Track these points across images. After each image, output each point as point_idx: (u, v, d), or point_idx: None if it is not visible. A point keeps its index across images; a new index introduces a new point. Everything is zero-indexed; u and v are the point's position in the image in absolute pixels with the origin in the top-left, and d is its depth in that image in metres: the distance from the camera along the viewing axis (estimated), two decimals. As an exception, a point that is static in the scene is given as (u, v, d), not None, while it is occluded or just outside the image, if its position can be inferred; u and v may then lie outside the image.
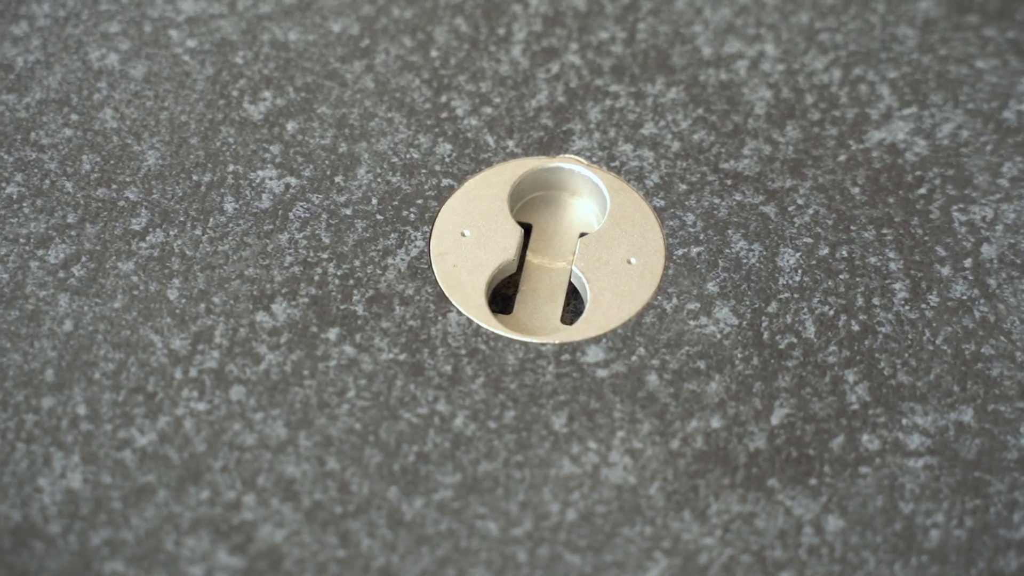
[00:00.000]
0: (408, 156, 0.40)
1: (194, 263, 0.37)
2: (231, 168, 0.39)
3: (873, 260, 0.38)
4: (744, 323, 0.37)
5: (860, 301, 0.37)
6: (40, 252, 0.37)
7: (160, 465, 0.34)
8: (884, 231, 0.39)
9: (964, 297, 0.37)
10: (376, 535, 0.34)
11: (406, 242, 0.38)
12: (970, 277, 0.38)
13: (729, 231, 0.39)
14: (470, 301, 0.37)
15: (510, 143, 0.40)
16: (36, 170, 0.39)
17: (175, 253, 0.38)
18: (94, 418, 0.34)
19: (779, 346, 0.36)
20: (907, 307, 0.37)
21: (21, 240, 0.38)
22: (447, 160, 0.40)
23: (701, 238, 0.38)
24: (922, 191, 0.39)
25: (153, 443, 0.34)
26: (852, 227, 0.39)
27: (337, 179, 0.39)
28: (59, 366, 0.35)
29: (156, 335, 0.36)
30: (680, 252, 0.38)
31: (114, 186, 0.39)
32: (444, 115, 0.41)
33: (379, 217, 0.39)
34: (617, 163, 0.40)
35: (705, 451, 0.35)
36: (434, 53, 0.42)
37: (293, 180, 0.39)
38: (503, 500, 0.34)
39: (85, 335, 0.36)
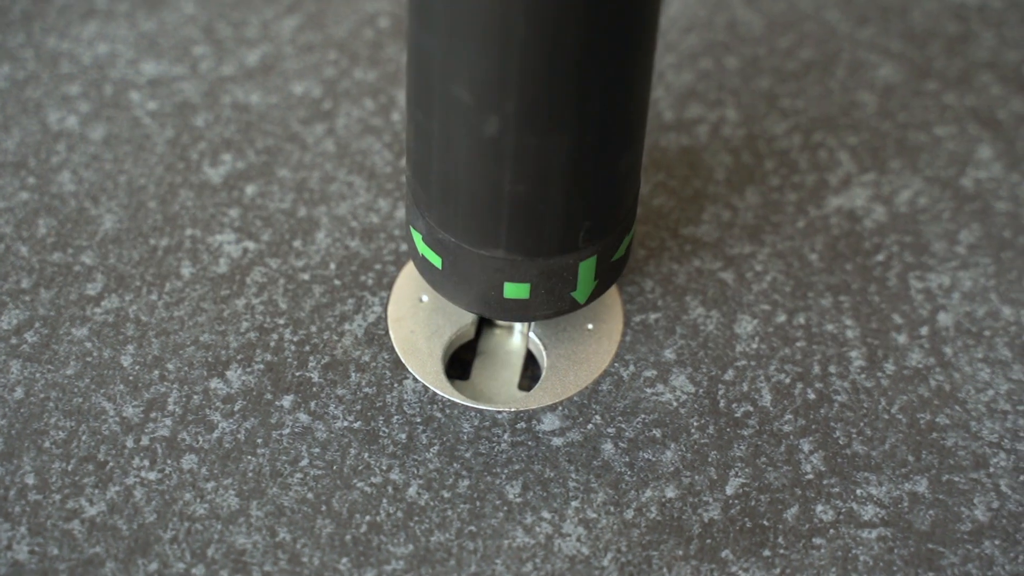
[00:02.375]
0: (367, 220, 0.40)
1: (149, 329, 0.37)
2: (189, 232, 0.39)
3: (830, 328, 0.38)
4: (701, 391, 0.37)
5: (816, 369, 0.37)
6: (-6, 317, 0.37)
7: (109, 536, 0.34)
8: (841, 298, 0.39)
9: (920, 366, 0.37)
10: (327, 607, 0.33)
11: (363, 308, 0.38)
12: (926, 345, 0.38)
13: (687, 297, 0.39)
14: (427, 368, 0.37)
15: (469, 207, 0.40)
16: (-8, 234, 0.39)
17: (130, 319, 0.37)
18: (43, 488, 0.34)
19: (735, 414, 0.36)
20: (863, 375, 0.37)
21: (-25, 305, 0.37)
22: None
23: (659, 304, 0.38)
24: (880, 258, 0.39)
25: (102, 513, 0.34)
26: (810, 294, 0.39)
27: (296, 243, 0.39)
28: (8, 434, 0.35)
29: (108, 402, 0.36)
30: (638, 318, 0.38)
31: (70, 250, 0.39)
32: (403, 179, 0.41)
33: (337, 282, 0.39)
34: (576, 228, 0.40)
35: (659, 521, 0.34)
36: (396, 116, 0.42)
37: (251, 244, 0.39)
38: (455, 572, 0.33)
39: (36, 403, 0.36)
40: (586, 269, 0.35)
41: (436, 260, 0.35)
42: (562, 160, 0.32)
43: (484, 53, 0.30)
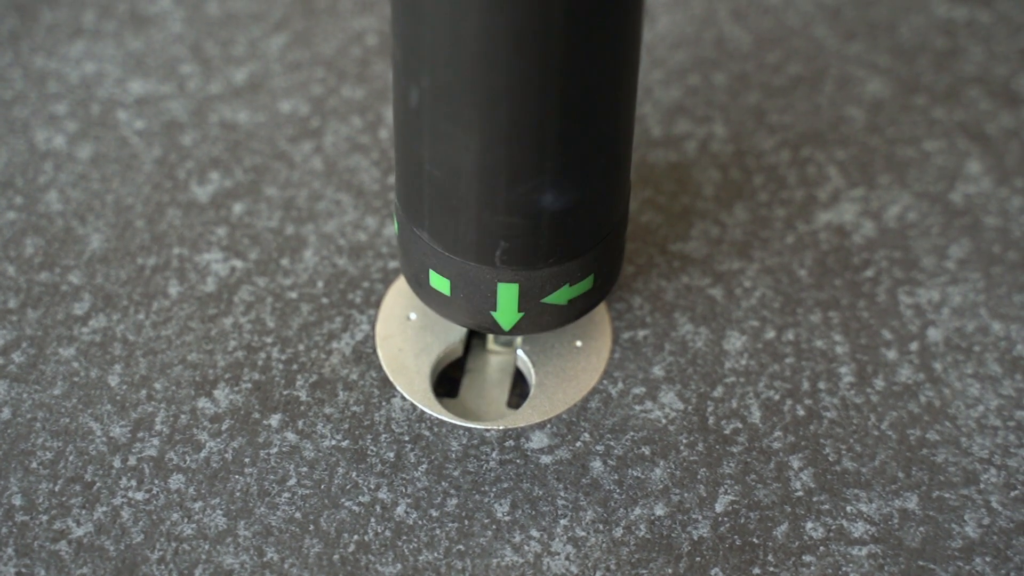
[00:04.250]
0: (355, 238, 0.40)
1: (136, 348, 0.37)
2: (176, 251, 0.39)
3: (819, 344, 0.38)
4: (690, 408, 0.37)
5: (806, 385, 0.37)
6: (-19, 337, 0.37)
7: (96, 557, 0.33)
8: (830, 314, 0.38)
9: (910, 381, 0.37)
10: (315, 627, 0.33)
11: (351, 326, 0.38)
12: (916, 361, 0.38)
13: (676, 314, 0.38)
14: (415, 386, 0.37)
15: (458, 225, 0.40)
16: (-21, 254, 0.39)
17: (117, 338, 0.37)
18: (30, 509, 0.34)
19: (724, 431, 0.36)
20: (852, 392, 0.37)
21: (-38, 325, 0.37)
22: (394, 242, 0.40)
23: (648, 321, 0.38)
24: (869, 273, 0.39)
25: (89, 534, 0.34)
26: (799, 310, 0.39)
27: (283, 262, 0.39)
28: (-5, 455, 0.35)
29: (96, 422, 0.36)
30: (627, 335, 0.38)
31: (57, 270, 0.39)
32: (392, 196, 0.41)
33: (324, 300, 0.38)
34: (565, 245, 0.40)
35: (649, 539, 0.34)
36: (383, 134, 0.42)
37: (239, 263, 0.39)
38: (444, 591, 0.33)
39: (23, 423, 0.36)
40: (507, 294, 0.34)
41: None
42: (472, 161, 0.31)
43: (411, 11, 0.30)
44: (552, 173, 0.32)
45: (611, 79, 0.31)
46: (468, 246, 0.33)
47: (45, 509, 0.34)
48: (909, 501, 0.35)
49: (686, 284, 0.39)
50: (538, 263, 0.33)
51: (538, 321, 0.35)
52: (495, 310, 0.34)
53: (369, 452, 0.35)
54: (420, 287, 0.35)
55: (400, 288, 0.39)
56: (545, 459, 0.36)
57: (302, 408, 0.36)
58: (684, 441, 0.36)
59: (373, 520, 0.34)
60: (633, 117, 0.33)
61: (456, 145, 0.31)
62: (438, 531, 0.34)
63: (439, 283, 0.34)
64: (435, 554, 0.34)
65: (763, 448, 0.36)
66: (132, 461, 0.35)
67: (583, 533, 0.34)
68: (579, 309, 0.35)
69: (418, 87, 0.31)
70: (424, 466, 0.35)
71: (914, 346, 0.38)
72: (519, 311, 0.34)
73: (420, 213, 0.33)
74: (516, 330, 0.35)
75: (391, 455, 0.35)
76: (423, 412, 0.36)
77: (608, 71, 0.31)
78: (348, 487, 0.35)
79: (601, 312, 0.38)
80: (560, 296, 0.34)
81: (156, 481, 0.35)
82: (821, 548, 0.34)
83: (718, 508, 0.35)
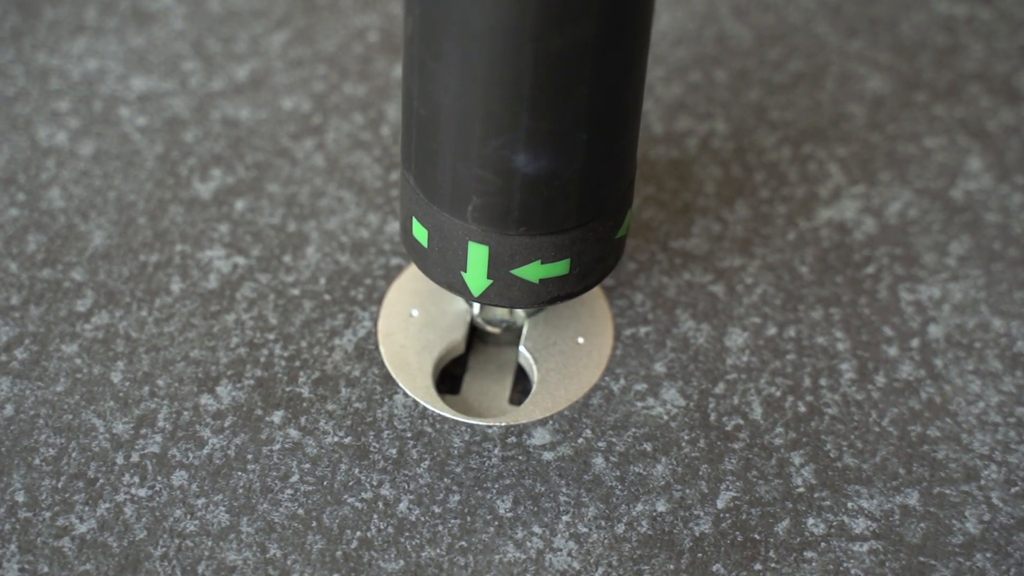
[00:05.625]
0: (357, 235, 0.40)
1: (139, 345, 0.37)
2: (179, 248, 0.39)
3: (820, 340, 0.38)
4: (691, 404, 0.37)
5: (807, 382, 0.37)
6: (-16, 334, 0.37)
7: (99, 553, 0.33)
8: (832, 311, 0.39)
9: (911, 378, 0.37)
10: (317, 623, 0.33)
11: (353, 322, 0.38)
12: (917, 358, 0.38)
13: (677, 311, 0.39)
14: (417, 382, 0.37)
15: (459, 222, 0.40)
16: (-18, 250, 0.39)
17: (120, 335, 0.37)
18: (33, 505, 0.34)
19: (726, 428, 0.36)
20: (853, 388, 0.37)
21: (-35, 322, 0.37)
22: (396, 239, 0.40)
23: (649, 318, 0.38)
24: (870, 270, 0.39)
25: (92, 531, 0.34)
26: (800, 307, 0.39)
27: (285, 258, 0.39)
28: (-1, 452, 0.35)
29: (98, 419, 0.36)
30: (628, 332, 0.38)
31: (59, 267, 0.39)
32: (394, 193, 0.41)
33: (327, 297, 0.39)
34: (566, 242, 0.40)
35: (650, 535, 0.34)
36: (385, 131, 0.42)
37: (241, 260, 0.39)
38: (446, 587, 0.33)
39: (26, 420, 0.36)
40: (477, 255, 0.33)
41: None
42: (450, 103, 0.30)
43: None
44: (526, 132, 0.31)
45: (602, 42, 0.30)
46: (444, 196, 0.32)
47: (48, 506, 0.34)
48: (910, 497, 0.35)
49: (687, 281, 0.39)
50: (509, 228, 0.32)
51: (506, 293, 0.34)
52: (465, 270, 0.33)
53: (371, 449, 0.36)
54: (405, 235, 0.35)
55: (402, 285, 0.39)
56: (547, 455, 0.36)
57: (304, 405, 0.36)
58: (686, 437, 0.36)
59: (376, 516, 0.34)
60: (639, 97, 0.32)
61: (438, 84, 0.30)
62: (440, 527, 0.34)
63: (419, 233, 0.34)
64: (437, 550, 0.34)
65: (764, 444, 0.36)
66: (135, 458, 0.35)
67: (585, 529, 0.34)
68: (552, 293, 0.34)
69: (412, 16, 0.30)
70: (426, 462, 0.35)
71: (915, 343, 0.38)
72: (488, 277, 0.33)
73: (409, 154, 0.33)
74: (485, 298, 0.34)
75: (393, 452, 0.36)
76: (425, 408, 0.36)
77: (599, 32, 0.30)
78: (351, 483, 0.35)
79: (603, 309, 0.39)
80: (530, 272, 0.33)
81: (159, 478, 0.35)
82: (822, 544, 0.34)
83: (720, 504, 0.35)
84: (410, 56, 0.31)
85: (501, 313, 0.38)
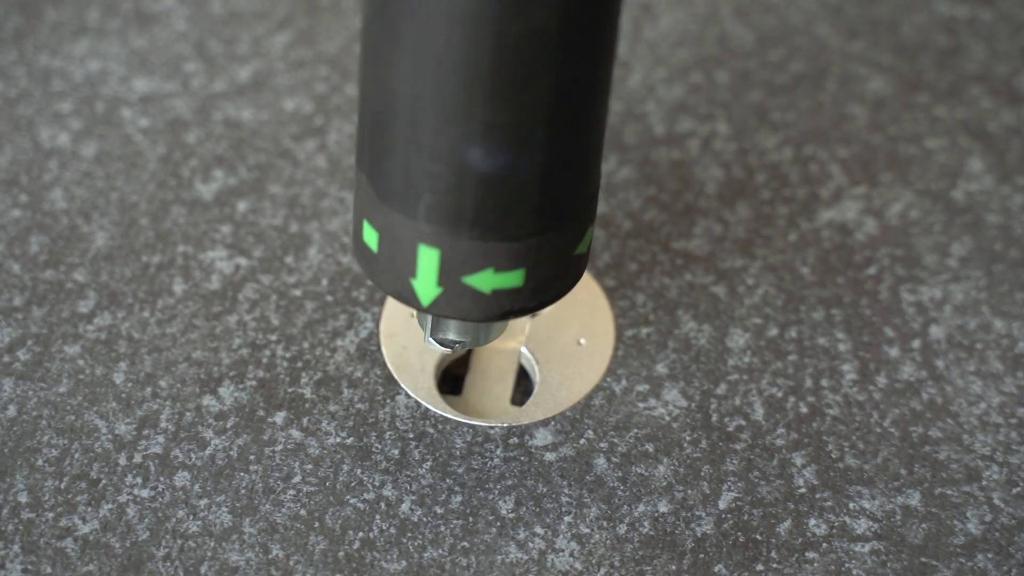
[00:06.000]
0: (359, 236, 0.40)
1: (141, 346, 0.37)
2: (181, 249, 0.39)
3: (822, 341, 0.38)
4: (693, 405, 0.37)
5: (809, 383, 0.37)
6: (-14, 335, 0.37)
7: (102, 554, 0.34)
8: (833, 311, 0.39)
9: (912, 379, 0.37)
10: (320, 624, 0.33)
11: (355, 323, 0.38)
12: (918, 359, 0.38)
13: (679, 311, 0.39)
14: (419, 383, 0.37)
15: (461, 223, 0.40)
16: (-16, 251, 0.39)
17: (122, 336, 0.37)
18: (35, 506, 0.34)
19: (727, 428, 0.36)
20: (855, 389, 0.37)
21: (-33, 323, 0.37)
22: (398, 240, 0.40)
23: (651, 318, 0.38)
24: (871, 271, 0.39)
25: (95, 531, 0.34)
26: (801, 307, 0.39)
27: (288, 259, 0.39)
28: (1, 452, 0.35)
29: (101, 420, 0.36)
30: (630, 333, 0.38)
31: (62, 268, 0.39)
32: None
33: (329, 298, 0.39)
34: (568, 243, 0.40)
35: (652, 536, 0.34)
36: (387, 132, 0.42)
37: (243, 261, 0.39)
38: (448, 587, 0.34)
39: (29, 420, 0.36)
40: (427, 260, 0.31)
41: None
42: (403, 88, 0.29)
43: None
44: (482, 124, 0.29)
45: (565, 30, 0.29)
46: (396, 193, 0.31)
47: (51, 506, 0.34)
48: (911, 498, 0.35)
49: (689, 282, 0.39)
50: (461, 230, 0.31)
51: (457, 303, 0.32)
52: (415, 276, 0.32)
53: (374, 449, 0.36)
54: (355, 241, 0.33)
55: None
56: (549, 456, 0.36)
57: (307, 405, 0.36)
58: (687, 438, 0.36)
59: (378, 517, 0.34)
60: (605, 95, 0.30)
61: (392, 71, 0.29)
62: (443, 528, 0.34)
63: (370, 237, 0.32)
64: (440, 551, 0.34)
65: (766, 445, 0.36)
66: (138, 458, 0.35)
67: (587, 530, 0.34)
68: (504, 307, 0.32)
69: None
70: (428, 463, 0.35)
71: (916, 343, 0.38)
72: (438, 284, 0.32)
73: (362, 150, 0.31)
74: (434, 307, 0.32)
75: (396, 452, 0.36)
76: (427, 409, 0.36)
77: (562, 19, 0.29)
78: (353, 484, 0.35)
79: (604, 310, 0.39)
80: (482, 281, 0.32)
81: (162, 478, 0.35)
82: (824, 545, 0.34)
83: (721, 505, 0.35)
84: (366, 43, 0.30)
85: (454, 334, 0.35)
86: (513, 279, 0.32)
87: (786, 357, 0.38)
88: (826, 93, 0.44)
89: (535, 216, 0.31)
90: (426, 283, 0.32)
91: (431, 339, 0.35)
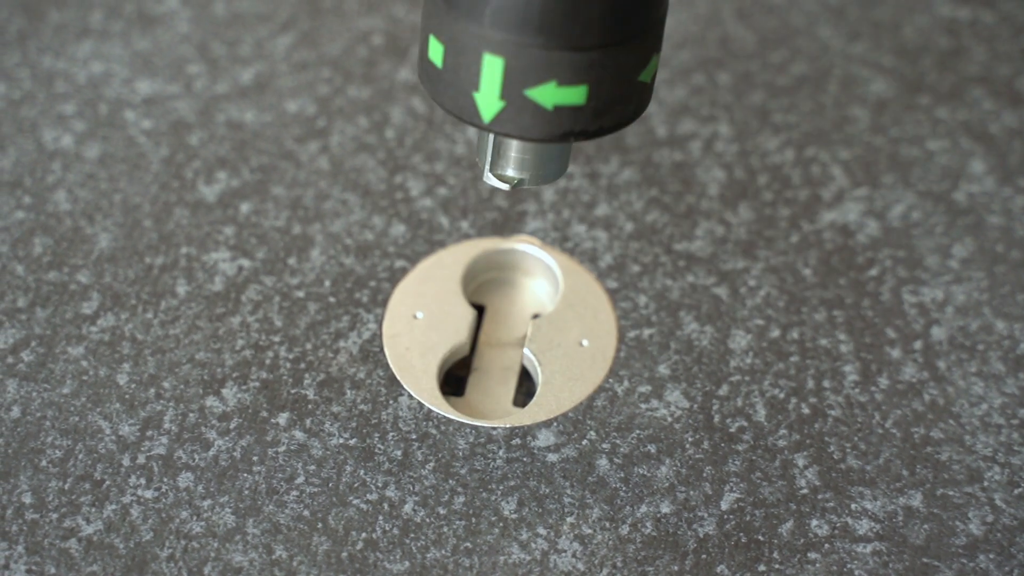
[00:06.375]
0: (362, 237, 0.40)
1: (145, 347, 0.37)
2: (184, 250, 0.39)
3: (824, 342, 0.38)
4: (695, 406, 0.37)
5: (811, 384, 0.37)
6: (-10, 336, 0.37)
7: (106, 555, 0.34)
8: (835, 313, 0.39)
9: (914, 380, 0.37)
10: (323, 624, 0.33)
11: (358, 324, 0.38)
12: (920, 360, 0.38)
13: (681, 313, 0.39)
14: (422, 384, 0.37)
15: (464, 224, 0.40)
16: (-12, 253, 0.39)
17: (126, 337, 0.38)
18: (40, 507, 0.34)
19: (730, 429, 0.36)
20: (857, 390, 0.37)
21: (-29, 324, 0.38)
22: (401, 241, 0.40)
23: (653, 320, 0.39)
24: (873, 272, 0.40)
25: (99, 532, 0.34)
26: (803, 309, 0.39)
27: (290, 261, 0.39)
28: (5, 453, 0.35)
29: (104, 421, 0.36)
30: (632, 334, 0.38)
31: (66, 269, 0.39)
32: (399, 196, 0.41)
33: (332, 299, 0.39)
34: (571, 244, 0.40)
35: (655, 537, 0.34)
36: (389, 133, 0.42)
37: (246, 262, 0.39)
38: (451, 588, 0.34)
39: (33, 421, 0.36)
40: (491, 70, 0.31)
41: None
42: None
43: None
44: None
45: None
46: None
47: (55, 507, 0.34)
48: (913, 499, 0.35)
49: (691, 283, 0.39)
50: (526, 36, 0.30)
51: (518, 119, 0.31)
52: (478, 90, 0.31)
53: (377, 450, 0.36)
54: (421, 61, 0.33)
55: (407, 287, 0.39)
56: (551, 457, 0.36)
57: (310, 407, 0.36)
58: (690, 439, 0.36)
59: (381, 518, 0.35)
60: None
61: None
62: (446, 529, 0.34)
63: (435, 52, 0.32)
64: (443, 551, 0.34)
65: (768, 446, 0.36)
66: (141, 459, 0.35)
67: (589, 531, 0.35)
68: (565, 126, 0.32)
69: None
70: (431, 464, 0.36)
71: (918, 345, 0.38)
72: (501, 98, 0.31)
73: None
74: (495, 124, 0.32)
75: (398, 453, 0.36)
76: (430, 410, 0.36)
77: None
78: (356, 485, 0.35)
79: (607, 311, 0.39)
80: (545, 95, 0.31)
81: (165, 479, 0.35)
82: (826, 545, 0.34)
83: (724, 506, 0.35)
84: None
85: (513, 170, 0.34)
86: (575, 95, 0.32)
87: (788, 358, 0.38)
88: (828, 95, 0.44)
89: (599, 26, 0.31)
90: (489, 96, 0.32)
91: (489, 174, 0.34)
